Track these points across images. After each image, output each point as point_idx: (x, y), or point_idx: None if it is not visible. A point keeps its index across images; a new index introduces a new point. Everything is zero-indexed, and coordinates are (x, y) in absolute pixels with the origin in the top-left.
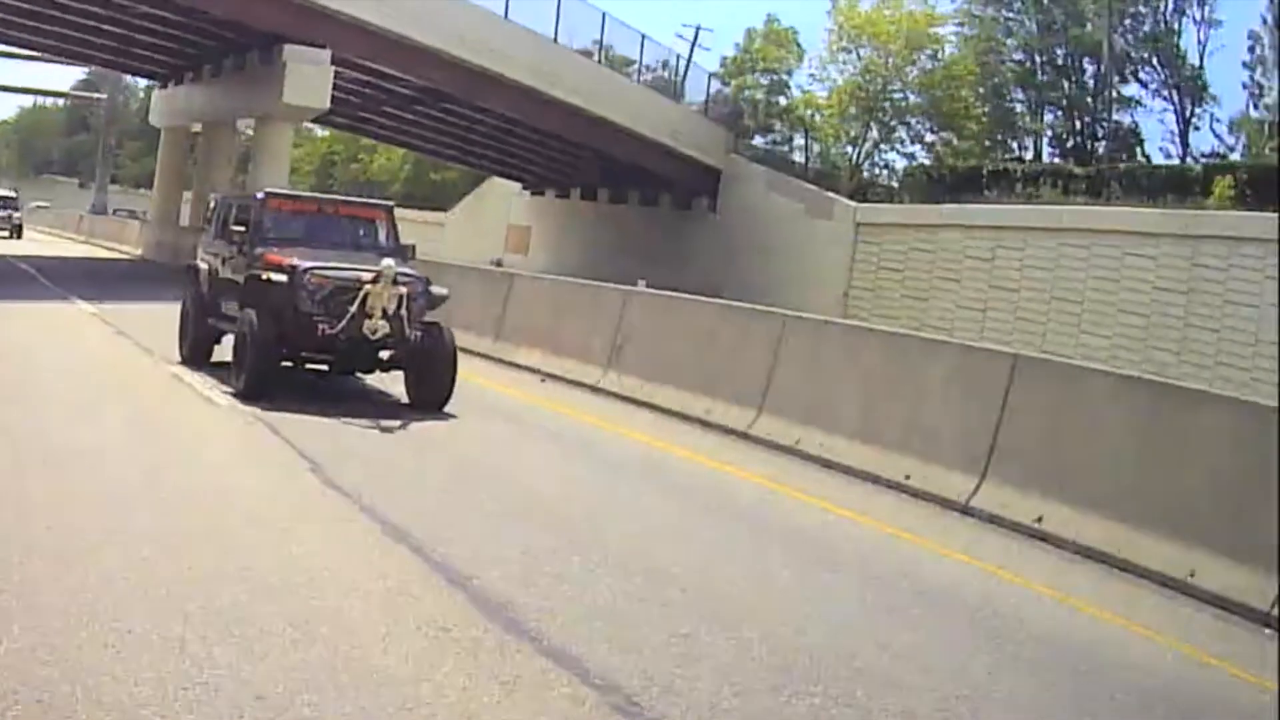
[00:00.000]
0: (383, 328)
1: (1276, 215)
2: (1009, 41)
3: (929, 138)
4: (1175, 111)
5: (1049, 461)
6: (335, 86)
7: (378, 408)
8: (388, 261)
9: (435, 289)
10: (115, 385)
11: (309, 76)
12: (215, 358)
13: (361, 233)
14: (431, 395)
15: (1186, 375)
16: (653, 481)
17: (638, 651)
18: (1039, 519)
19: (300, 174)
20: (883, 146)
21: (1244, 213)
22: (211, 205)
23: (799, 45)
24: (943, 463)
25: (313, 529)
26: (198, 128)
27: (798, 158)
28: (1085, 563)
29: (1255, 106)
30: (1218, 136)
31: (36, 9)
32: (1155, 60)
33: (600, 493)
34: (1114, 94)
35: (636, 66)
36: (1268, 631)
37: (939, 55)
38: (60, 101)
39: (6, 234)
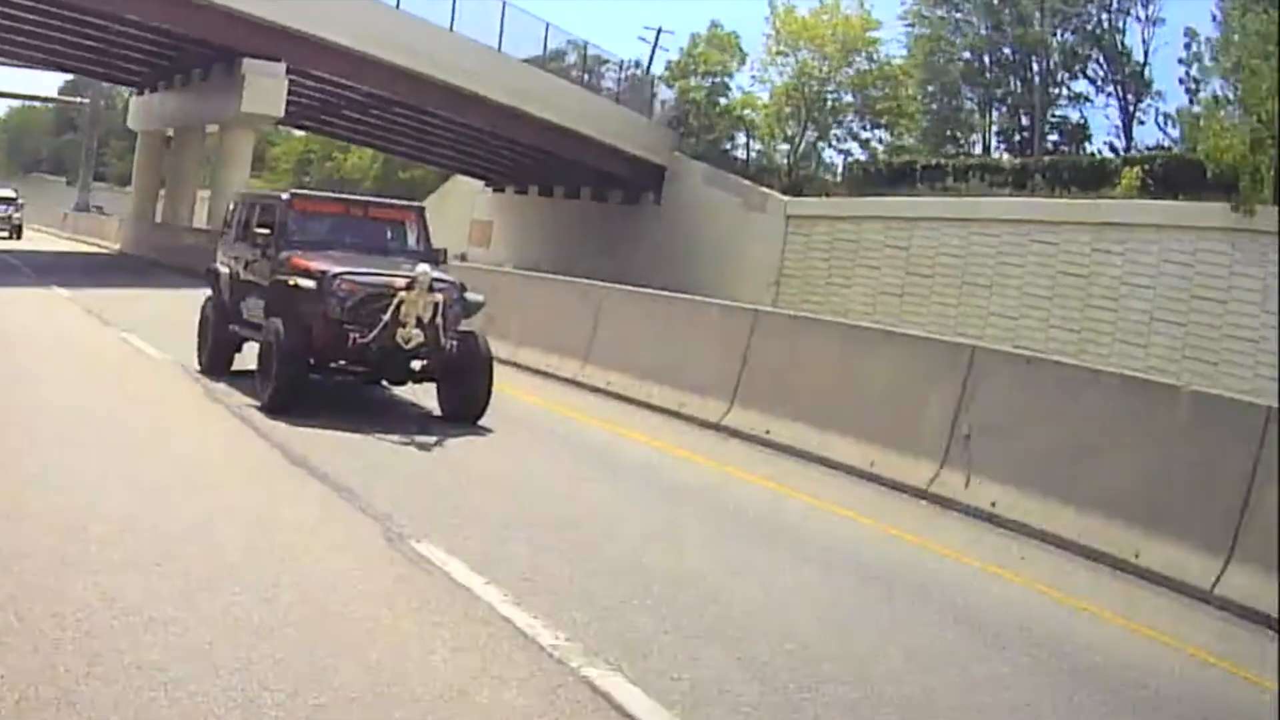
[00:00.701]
0: (417, 337)
1: (1276, 211)
2: (958, 40)
3: (865, 135)
4: (1120, 107)
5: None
6: (298, 92)
7: (409, 422)
8: (423, 267)
9: (471, 295)
10: (81, 350)
11: (265, 87)
12: (236, 365)
13: (390, 235)
14: (466, 407)
15: (1088, 354)
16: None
17: None
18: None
19: (278, 172)
20: (820, 144)
21: (1142, 201)
22: (231, 207)
23: (741, 49)
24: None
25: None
26: (171, 132)
27: (741, 155)
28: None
29: (1191, 101)
30: (1163, 130)
31: (20, 22)
32: (1100, 58)
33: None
34: (1065, 90)
35: (580, 71)
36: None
37: (874, 57)
38: (51, 95)
39: (6, 234)
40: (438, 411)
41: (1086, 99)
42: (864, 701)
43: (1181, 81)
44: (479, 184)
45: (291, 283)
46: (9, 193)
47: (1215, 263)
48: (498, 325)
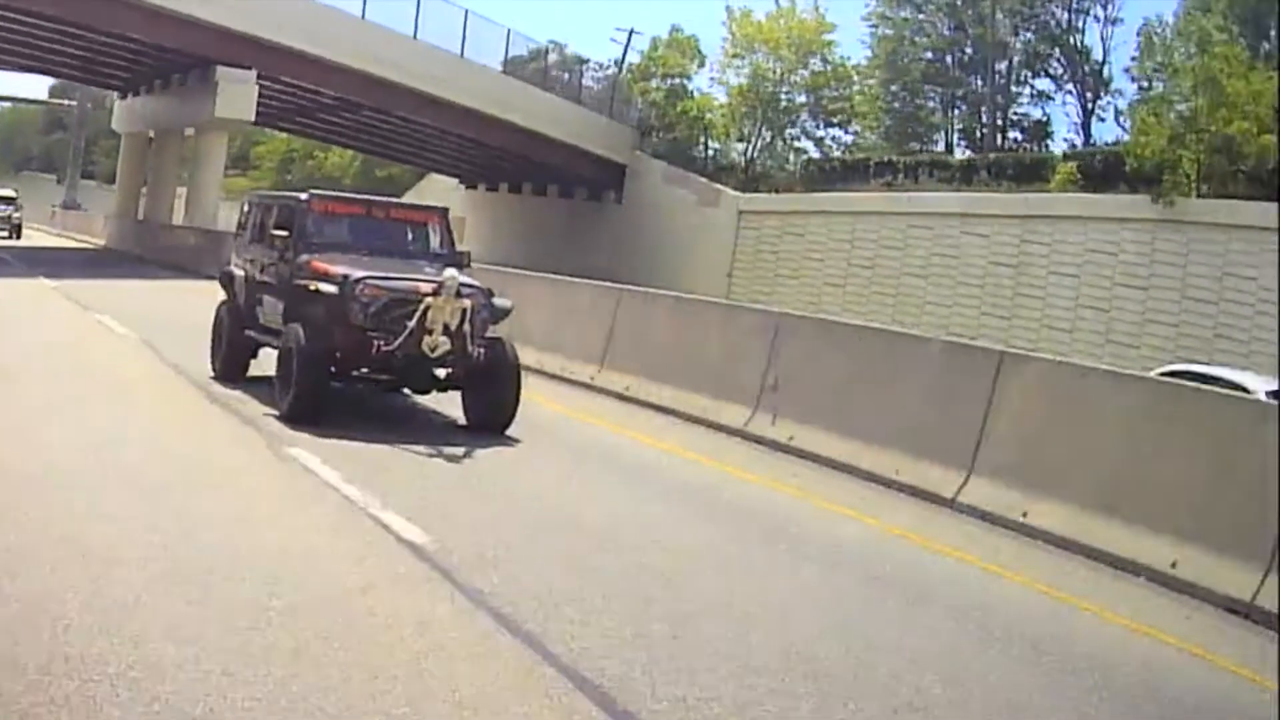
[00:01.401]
0: (443, 344)
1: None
2: (921, 41)
3: (820, 133)
4: (1079, 104)
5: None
6: (271, 96)
7: (433, 432)
8: (450, 272)
9: (499, 301)
10: (60, 330)
11: (237, 93)
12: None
13: (411, 237)
14: (493, 417)
15: (1016, 338)
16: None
17: None
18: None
19: (262, 170)
20: (776, 142)
21: (1068, 194)
22: (245, 208)
23: (700, 52)
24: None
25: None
26: (153, 133)
27: (701, 154)
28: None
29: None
30: (1121, 127)
31: (8, 31)
32: (1060, 57)
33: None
34: (1029, 88)
35: (541, 74)
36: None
37: (829, 59)
38: (41, 97)
39: (6, 234)
40: (462, 420)
41: (1048, 97)
42: (628, 572)
43: (1134, 79)
44: (453, 182)
45: (312, 287)
46: (9, 193)
47: (1138, 252)
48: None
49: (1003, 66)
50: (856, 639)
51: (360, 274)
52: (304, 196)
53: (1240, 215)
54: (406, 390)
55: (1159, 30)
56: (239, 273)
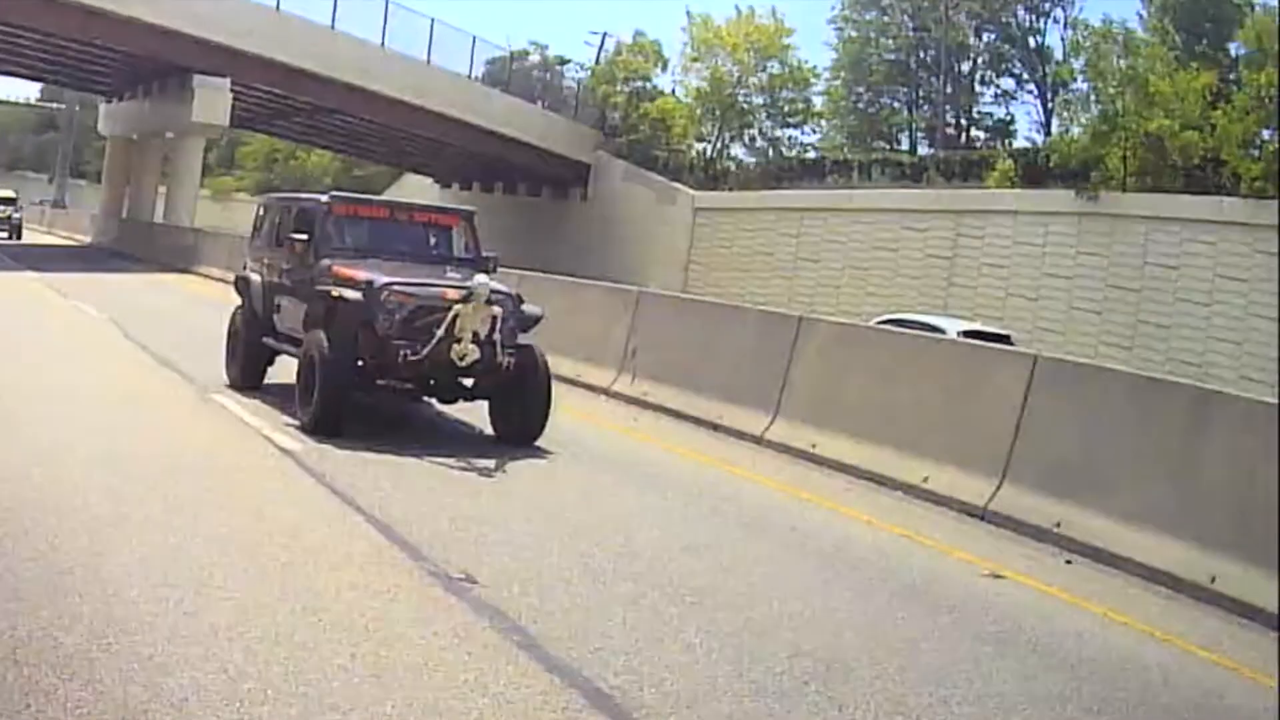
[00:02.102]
0: (472, 353)
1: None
2: (886, 42)
3: (777, 133)
4: (1039, 103)
5: None
6: (248, 101)
7: (459, 444)
8: (481, 278)
9: (528, 307)
10: (42, 312)
11: (212, 100)
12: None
13: (434, 241)
14: (522, 428)
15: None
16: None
17: None
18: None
19: (246, 169)
20: (735, 142)
21: (999, 190)
22: (260, 210)
23: (662, 55)
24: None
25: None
26: (136, 136)
27: (663, 153)
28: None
29: (1096, 98)
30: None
31: None
32: (1021, 57)
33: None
34: (994, 88)
35: (506, 78)
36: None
37: (786, 62)
38: (32, 99)
39: (6, 234)
40: (489, 430)
41: (1011, 96)
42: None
43: (1086, 78)
44: (428, 181)
45: (335, 294)
46: (9, 193)
47: (1063, 244)
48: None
49: (966, 67)
50: (674, 539)
51: (385, 280)
52: (324, 198)
53: (1161, 208)
54: (429, 400)
55: (1085, 33)
56: (255, 277)
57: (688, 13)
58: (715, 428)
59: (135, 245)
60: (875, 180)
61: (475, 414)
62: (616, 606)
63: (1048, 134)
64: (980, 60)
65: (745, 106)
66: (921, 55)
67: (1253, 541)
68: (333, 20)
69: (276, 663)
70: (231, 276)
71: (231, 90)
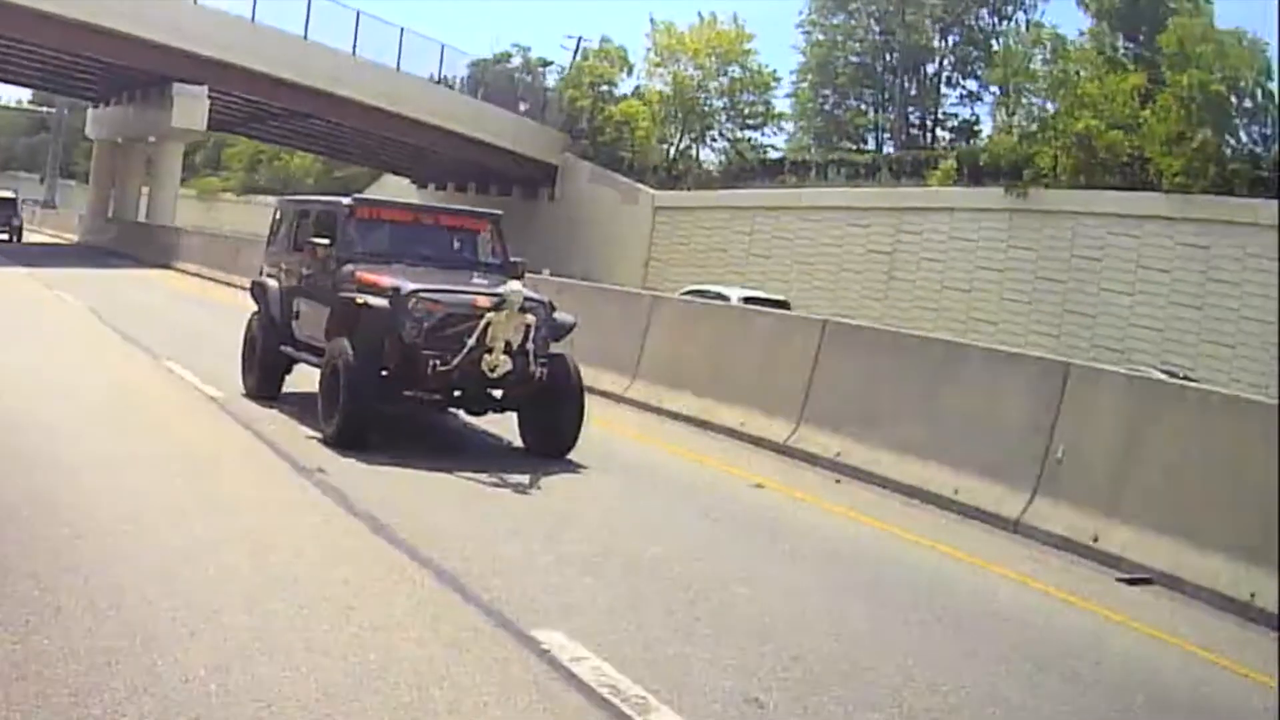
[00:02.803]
0: (504, 364)
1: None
2: (852, 45)
3: (739, 135)
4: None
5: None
6: (226, 106)
7: (488, 457)
8: (514, 285)
9: (560, 315)
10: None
11: (191, 106)
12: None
13: (459, 245)
14: (553, 440)
15: (890, 317)
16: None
17: None
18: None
19: (232, 170)
20: (697, 143)
21: (936, 188)
22: (276, 214)
23: (628, 61)
24: None
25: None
26: (120, 140)
27: (628, 154)
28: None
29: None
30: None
31: None
32: (985, 59)
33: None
34: (961, 89)
35: (477, 83)
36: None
37: (747, 66)
38: (24, 101)
39: (6, 236)
40: (517, 442)
41: (977, 97)
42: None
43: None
44: (405, 181)
45: (359, 301)
46: (9, 194)
47: (995, 239)
48: None
49: (932, 69)
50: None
51: (413, 286)
52: (346, 201)
53: (1087, 203)
54: (454, 411)
55: (1017, 38)
56: (272, 283)
57: (651, 19)
58: (660, 411)
59: (120, 243)
60: (831, 180)
61: (503, 425)
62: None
63: (1010, 131)
64: (946, 62)
65: (706, 110)
66: (887, 58)
67: (985, 461)
68: (305, 31)
69: None
70: (207, 271)
71: (210, 97)
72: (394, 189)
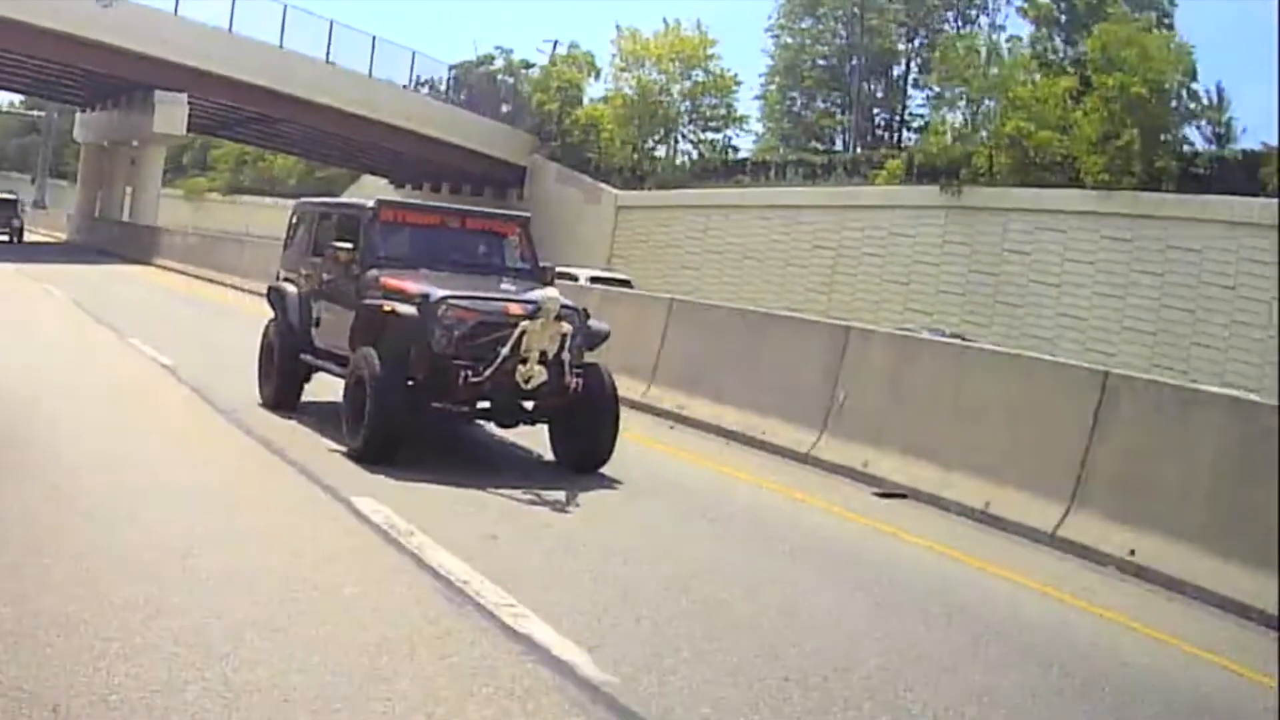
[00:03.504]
0: (539, 375)
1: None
2: (820, 48)
3: (704, 136)
4: (966, 105)
5: None
6: (207, 110)
7: (519, 471)
8: (550, 292)
9: (594, 323)
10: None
11: (171, 113)
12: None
13: (485, 249)
14: (587, 454)
15: (835, 309)
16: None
17: None
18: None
19: (218, 171)
20: (661, 145)
21: (875, 186)
22: (293, 217)
23: (595, 65)
24: None
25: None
26: (106, 143)
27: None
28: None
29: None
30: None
31: None
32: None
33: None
34: (927, 90)
35: (448, 88)
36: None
37: (710, 70)
38: (15, 104)
39: (6, 237)
40: (548, 455)
41: (942, 98)
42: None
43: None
44: (383, 181)
45: (386, 308)
46: (10, 196)
47: (931, 234)
48: None
49: (898, 71)
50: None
51: (442, 293)
52: (370, 204)
53: (1017, 200)
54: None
55: (954, 44)
56: (290, 289)
57: (617, 26)
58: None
59: (106, 241)
60: (790, 179)
61: (531, 436)
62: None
63: (974, 131)
64: (912, 64)
65: (669, 113)
66: (853, 61)
67: (788, 408)
68: (281, 40)
69: None
70: (183, 267)
71: (191, 103)
72: (372, 189)
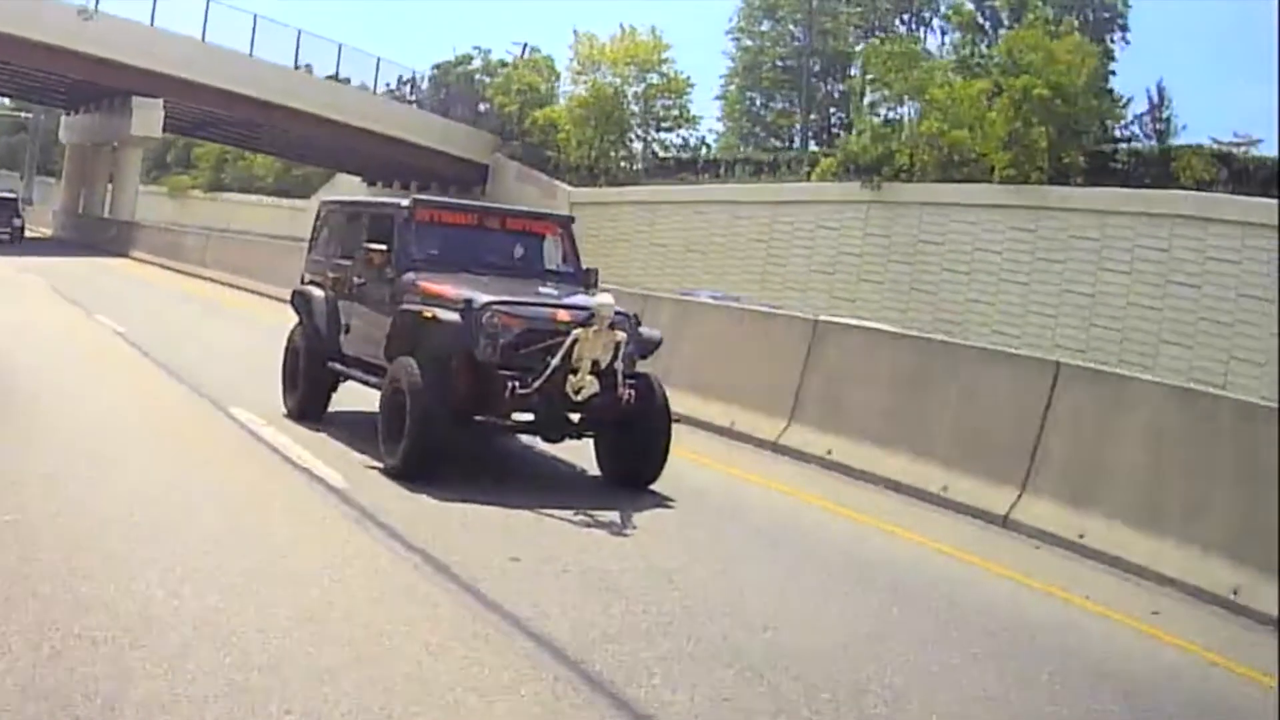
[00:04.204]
0: (591, 386)
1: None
2: (779, 50)
3: (660, 136)
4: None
5: None
6: (184, 113)
7: (566, 488)
8: (604, 298)
9: (646, 330)
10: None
11: (148, 117)
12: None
13: (524, 251)
14: (637, 468)
15: (765, 296)
16: None
17: None
18: None
19: (200, 168)
20: (617, 145)
21: (803, 183)
22: (319, 215)
23: (554, 69)
24: None
25: None
26: (89, 144)
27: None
28: None
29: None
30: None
31: None
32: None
33: None
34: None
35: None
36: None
37: (664, 73)
38: (4, 105)
39: (8, 237)
40: (592, 469)
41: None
42: None
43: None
44: (357, 179)
45: (426, 314)
46: (10, 194)
47: (854, 227)
48: None
49: (855, 72)
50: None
51: (486, 298)
52: (405, 203)
53: (932, 195)
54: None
55: (877, 49)
56: (316, 293)
57: (575, 32)
58: None
59: (88, 236)
60: (739, 176)
61: (573, 449)
62: None
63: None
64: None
65: (623, 114)
66: (810, 63)
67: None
68: (251, 48)
69: None
70: (156, 259)
71: (167, 107)
72: (346, 186)
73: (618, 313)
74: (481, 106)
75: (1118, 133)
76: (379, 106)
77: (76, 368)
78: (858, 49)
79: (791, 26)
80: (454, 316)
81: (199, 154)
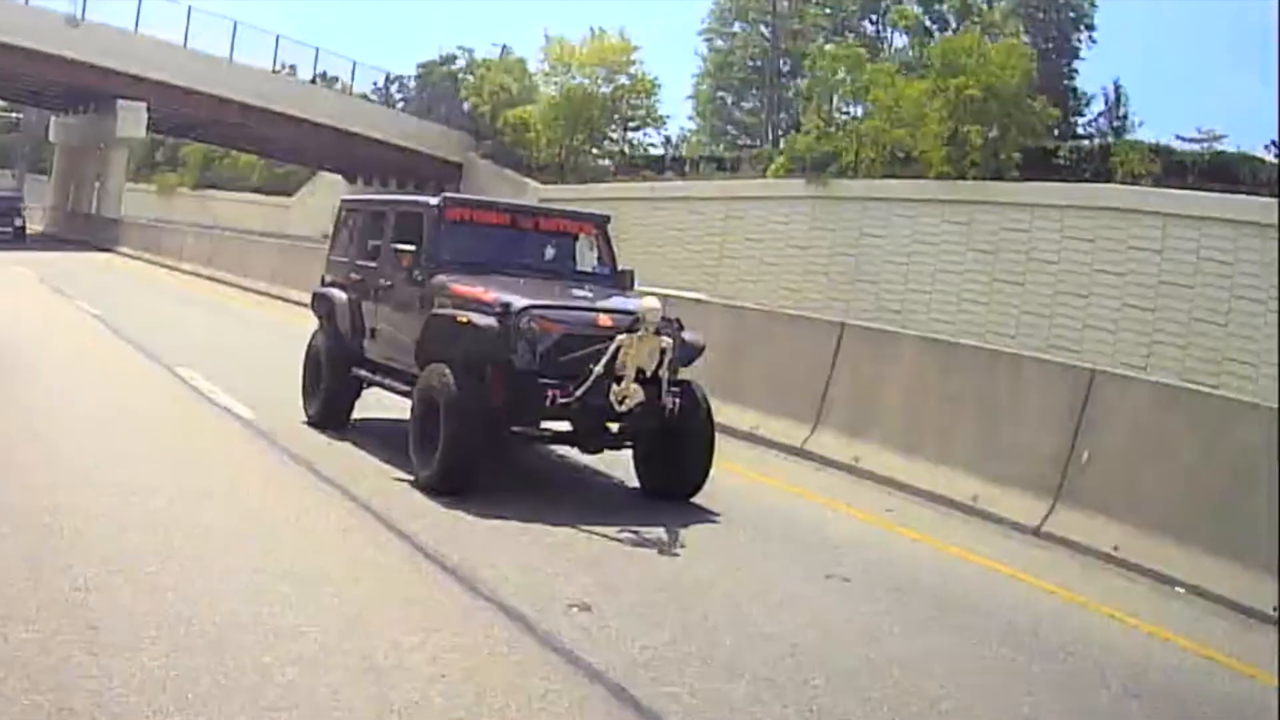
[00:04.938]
0: (635, 394)
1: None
2: (748, 50)
3: (625, 135)
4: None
5: None
6: (168, 115)
7: (605, 503)
8: (650, 302)
9: (688, 335)
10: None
11: (133, 119)
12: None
13: (557, 251)
14: (679, 480)
15: (719, 288)
16: None
17: None
18: None
19: (187, 166)
20: (588, 144)
21: (754, 180)
22: (340, 213)
23: (526, 71)
24: None
25: None
26: (78, 144)
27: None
28: None
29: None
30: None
31: None
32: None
33: None
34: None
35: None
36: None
37: (633, 75)
38: None
39: (9, 236)
40: (630, 480)
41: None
42: None
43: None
44: (338, 177)
45: (461, 319)
46: (10, 193)
47: (800, 223)
48: None
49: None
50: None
51: (525, 302)
52: (435, 201)
53: (873, 190)
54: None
55: (820, 52)
56: (339, 295)
57: (546, 35)
58: None
59: (77, 232)
60: (703, 173)
61: (610, 459)
62: None
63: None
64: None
65: (592, 115)
66: (778, 62)
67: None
68: (231, 53)
69: None
70: (138, 253)
71: (152, 109)
72: (328, 184)
73: (663, 318)
74: (465, 104)
75: (1080, 130)
76: (353, 107)
77: (59, 341)
78: (827, 49)
79: (761, 28)
80: (491, 321)
81: (186, 153)
